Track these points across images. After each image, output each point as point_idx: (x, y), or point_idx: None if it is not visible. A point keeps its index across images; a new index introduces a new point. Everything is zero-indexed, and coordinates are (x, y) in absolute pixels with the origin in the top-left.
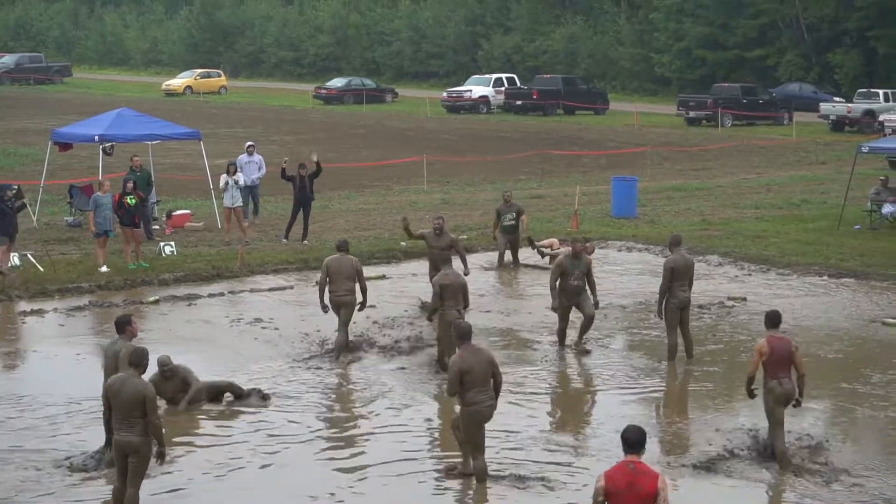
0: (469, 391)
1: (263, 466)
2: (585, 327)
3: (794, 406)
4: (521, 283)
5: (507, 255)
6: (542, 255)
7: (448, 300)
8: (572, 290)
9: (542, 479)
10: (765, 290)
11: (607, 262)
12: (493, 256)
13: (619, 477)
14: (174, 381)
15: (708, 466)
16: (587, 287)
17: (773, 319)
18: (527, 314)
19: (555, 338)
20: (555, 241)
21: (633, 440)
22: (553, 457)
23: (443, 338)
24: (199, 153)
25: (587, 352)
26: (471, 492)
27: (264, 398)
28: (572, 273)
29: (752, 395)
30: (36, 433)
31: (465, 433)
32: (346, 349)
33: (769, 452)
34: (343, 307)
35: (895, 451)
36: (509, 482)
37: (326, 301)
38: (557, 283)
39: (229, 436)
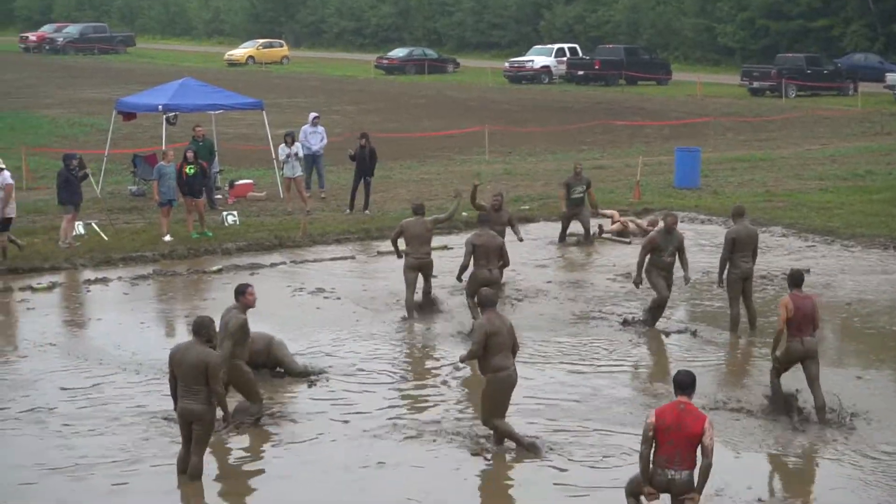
0: (496, 356)
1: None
2: (656, 304)
3: None
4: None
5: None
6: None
7: (480, 259)
8: (665, 266)
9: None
10: (829, 261)
11: None
12: (555, 228)
13: (668, 414)
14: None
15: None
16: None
17: (796, 279)
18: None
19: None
20: (615, 213)
21: (685, 382)
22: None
23: (471, 297)
24: (262, 123)
25: (629, 323)
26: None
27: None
28: (665, 249)
29: (776, 357)
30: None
31: (493, 400)
32: (422, 308)
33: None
34: (423, 268)
35: None
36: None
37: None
38: (647, 258)
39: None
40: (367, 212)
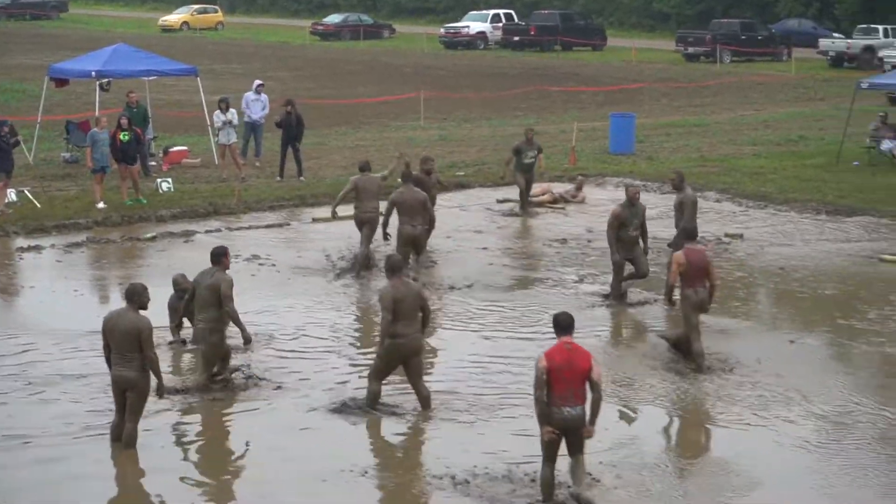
0: (398, 322)
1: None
2: (634, 278)
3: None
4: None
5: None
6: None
7: (404, 215)
8: (629, 240)
9: None
10: (762, 225)
11: (603, 199)
12: (490, 194)
13: (558, 356)
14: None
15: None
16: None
17: (690, 233)
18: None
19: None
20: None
21: (566, 323)
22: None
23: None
24: (196, 89)
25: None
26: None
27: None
28: (631, 223)
29: (672, 303)
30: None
31: (380, 360)
32: (366, 266)
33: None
34: (366, 224)
35: (889, 388)
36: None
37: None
38: (615, 233)
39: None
40: (301, 178)
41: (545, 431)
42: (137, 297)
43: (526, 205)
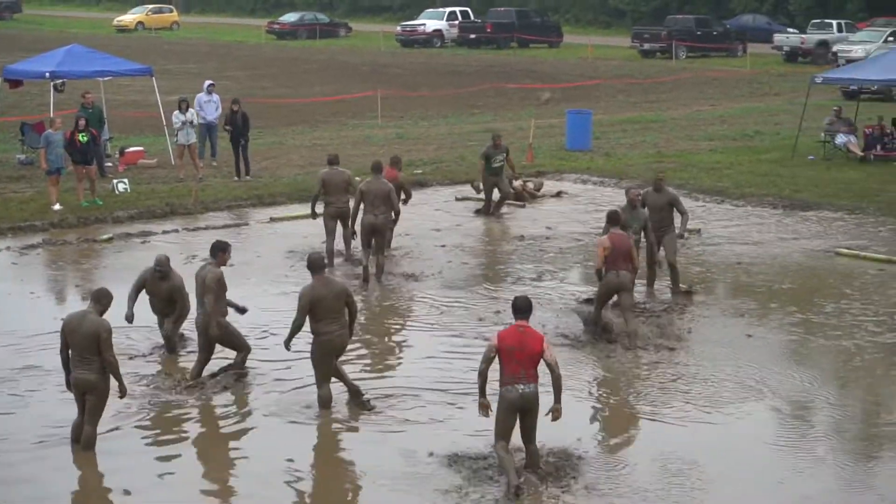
0: (321, 321)
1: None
2: (651, 279)
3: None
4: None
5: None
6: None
7: (368, 205)
8: None
9: None
10: (719, 221)
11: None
12: (448, 191)
13: (510, 337)
14: (168, 283)
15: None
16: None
17: (614, 218)
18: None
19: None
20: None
21: (523, 307)
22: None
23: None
24: (152, 89)
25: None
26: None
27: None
28: (630, 226)
29: (602, 279)
30: None
31: (315, 362)
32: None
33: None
34: (342, 217)
35: (846, 382)
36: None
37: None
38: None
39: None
40: (247, 177)
41: (481, 403)
42: (105, 300)
43: (494, 209)
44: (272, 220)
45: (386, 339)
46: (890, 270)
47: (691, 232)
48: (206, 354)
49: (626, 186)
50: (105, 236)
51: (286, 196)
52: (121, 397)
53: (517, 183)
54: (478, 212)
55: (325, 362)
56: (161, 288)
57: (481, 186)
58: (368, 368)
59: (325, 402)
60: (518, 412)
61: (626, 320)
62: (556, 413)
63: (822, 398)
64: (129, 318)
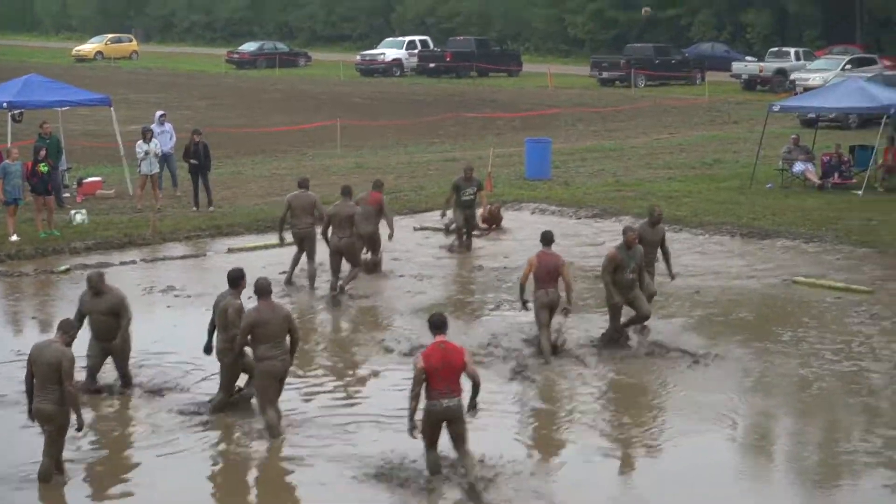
0: (261, 345)
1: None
2: (636, 322)
3: (565, 314)
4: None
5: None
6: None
7: (335, 227)
8: (627, 283)
9: None
10: (676, 249)
11: (520, 223)
12: (408, 221)
13: (434, 356)
14: (105, 297)
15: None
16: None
17: (546, 238)
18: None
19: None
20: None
21: (440, 322)
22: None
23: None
24: (110, 119)
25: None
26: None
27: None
28: (628, 266)
29: (525, 302)
30: None
31: (258, 387)
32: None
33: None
34: (305, 239)
35: (804, 411)
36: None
37: (286, 234)
38: (611, 277)
39: None
40: (210, 209)
41: (412, 428)
42: (73, 330)
43: (464, 243)
44: (230, 250)
45: (346, 367)
46: (847, 298)
47: None
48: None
49: (625, 227)
50: (62, 267)
51: (244, 226)
52: (78, 430)
53: (481, 211)
54: (451, 249)
55: (269, 387)
56: (100, 305)
57: (450, 216)
58: (331, 396)
59: (272, 427)
60: (443, 423)
61: (542, 335)
62: (474, 410)
63: (780, 427)
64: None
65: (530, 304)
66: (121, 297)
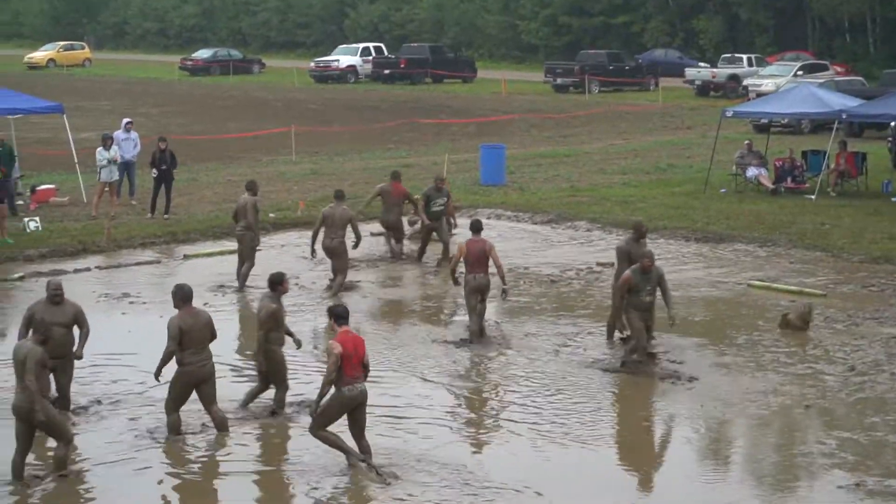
0: (186, 350)
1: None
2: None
3: (504, 297)
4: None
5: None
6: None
7: (328, 229)
8: (644, 307)
9: None
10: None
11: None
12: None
13: (348, 343)
14: (64, 308)
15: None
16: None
17: (475, 226)
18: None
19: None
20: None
21: (345, 314)
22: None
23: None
24: (63, 127)
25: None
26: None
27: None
28: (643, 289)
29: (456, 282)
30: None
31: (172, 389)
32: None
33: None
34: (334, 253)
35: (759, 414)
36: None
37: (318, 247)
38: (624, 300)
39: None
40: (166, 216)
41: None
42: (48, 332)
43: (423, 254)
44: (185, 257)
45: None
46: (801, 302)
47: (604, 265)
48: (264, 385)
49: (644, 253)
50: (16, 275)
51: (200, 233)
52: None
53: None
54: (439, 263)
55: (183, 391)
56: (58, 315)
57: (416, 222)
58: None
59: (175, 427)
60: (353, 408)
61: (473, 319)
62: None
63: (735, 430)
64: None
65: (461, 280)
66: (80, 308)
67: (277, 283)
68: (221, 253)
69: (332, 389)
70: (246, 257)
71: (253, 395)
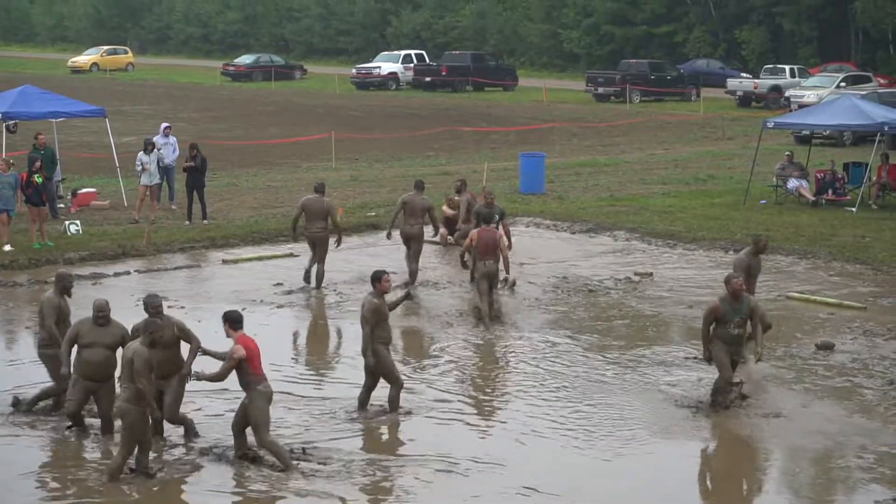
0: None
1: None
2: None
3: (510, 285)
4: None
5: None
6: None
7: (408, 217)
8: (731, 339)
9: None
10: (672, 265)
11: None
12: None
13: (251, 343)
14: (110, 330)
15: None
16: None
17: (484, 217)
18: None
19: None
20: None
21: (239, 318)
22: None
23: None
24: (105, 131)
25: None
26: None
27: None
28: (732, 320)
29: (465, 266)
30: None
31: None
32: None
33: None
34: (413, 239)
35: (798, 426)
36: None
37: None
38: (711, 329)
39: None
40: (205, 221)
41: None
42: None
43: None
44: (224, 262)
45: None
46: (840, 314)
47: (644, 275)
48: (372, 381)
49: (728, 275)
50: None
51: (240, 238)
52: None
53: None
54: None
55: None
56: (104, 336)
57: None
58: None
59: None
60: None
61: (489, 302)
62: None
63: (775, 440)
64: (67, 374)
65: (469, 265)
66: (126, 330)
67: (377, 281)
68: (261, 258)
69: (255, 393)
70: (320, 258)
71: (366, 395)
